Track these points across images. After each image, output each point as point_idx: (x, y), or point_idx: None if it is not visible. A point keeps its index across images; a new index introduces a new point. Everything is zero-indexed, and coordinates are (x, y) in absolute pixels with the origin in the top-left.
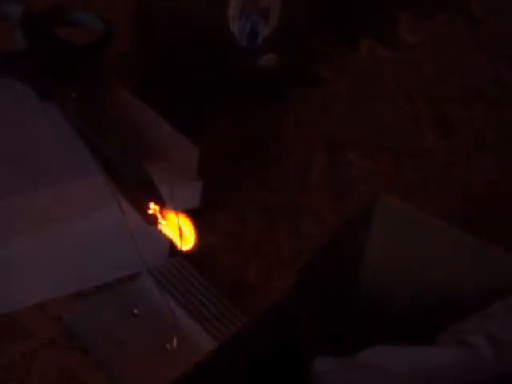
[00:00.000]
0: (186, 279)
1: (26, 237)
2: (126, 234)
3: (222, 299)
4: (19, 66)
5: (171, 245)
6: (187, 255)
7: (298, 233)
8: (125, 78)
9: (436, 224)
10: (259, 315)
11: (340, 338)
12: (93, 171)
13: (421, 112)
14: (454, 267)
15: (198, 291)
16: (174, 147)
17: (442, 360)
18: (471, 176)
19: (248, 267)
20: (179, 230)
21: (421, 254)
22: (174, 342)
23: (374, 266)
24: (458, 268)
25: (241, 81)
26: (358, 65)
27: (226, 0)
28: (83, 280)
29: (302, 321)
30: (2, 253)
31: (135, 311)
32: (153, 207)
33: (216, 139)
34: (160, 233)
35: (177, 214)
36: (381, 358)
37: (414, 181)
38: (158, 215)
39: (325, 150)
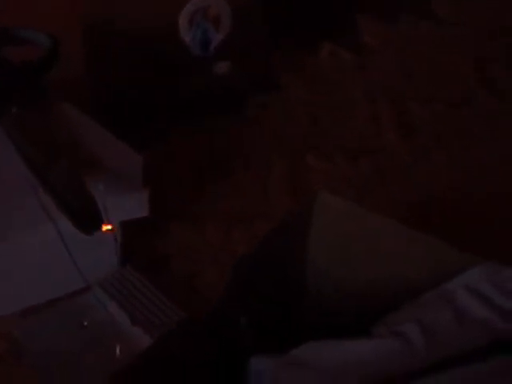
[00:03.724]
0: (135, 288)
1: None
2: (73, 249)
3: (172, 307)
4: None
5: (121, 255)
6: (143, 265)
7: (257, 240)
8: (77, 96)
9: (374, 217)
10: (192, 317)
11: (283, 334)
12: (31, 189)
13: (382, 113)
14: (393, 259)
15: (148, 300)
16: (118, 158)
17: (374, 351)
18: (430, 176)
19: (204, 276)
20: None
21: (361, 247)
22: (118, 351)
23: (316, 261)
24: (397, 260)
25: (197, 90)
26: (319, 69)
27: (176, 10)
28: (32, 296)
29: (239, 322)
30: None
31: (84, 323)
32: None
33: (174, 150)
34: (106, 245)
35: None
36: (314, 353)
37: (372, 181)
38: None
39: (284, 156)
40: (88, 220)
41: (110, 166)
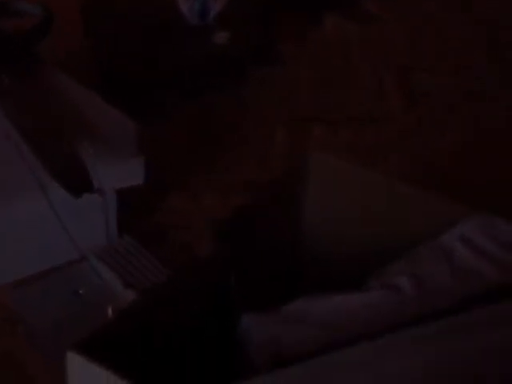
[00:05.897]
0: (132, 256)
1: None
2: (66, 219)
3: (166, 272)
4: None
5: (119, 225)
6: (140, 235)
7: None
8: (77, 67)
9: (369, 175)
10: (183, 270)
11: (278, 288)
12: (21, 157)
13: (386, 83)
14: (389, 215)
15: (143, 265)
16: (110, 124)
17: (365, 304)
18: (433, 144)
19: (202, 246)
20: None
21: (356, 204)
22: (110, 312)
23: (311, 221)
24: (392, 216)
25: (195, 61)
26: (322, 40)
27: None
28: (26, 267)
29: (229, 279)
30: None
31: (80, 291)
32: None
33: (171, 121)
34: (101, 214)
35: None
36: (305, 308)
37: (376, 151)
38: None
39: (286, 127)
40: (75, 180)
41: (103, 131)
